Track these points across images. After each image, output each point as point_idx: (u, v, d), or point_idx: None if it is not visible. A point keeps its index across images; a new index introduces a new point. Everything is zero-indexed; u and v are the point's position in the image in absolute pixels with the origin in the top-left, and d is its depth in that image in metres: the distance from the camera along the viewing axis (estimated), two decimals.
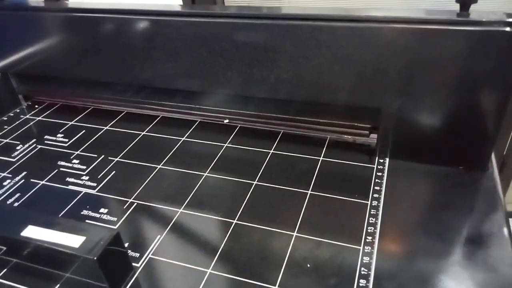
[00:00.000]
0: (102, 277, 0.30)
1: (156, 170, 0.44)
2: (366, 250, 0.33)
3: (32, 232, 0.31)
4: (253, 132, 0.50)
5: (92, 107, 0.58)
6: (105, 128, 0.53)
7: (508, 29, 0.34)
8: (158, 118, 0.54)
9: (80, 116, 0.56)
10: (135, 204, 0.40)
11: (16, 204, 0.41)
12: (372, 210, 0.37)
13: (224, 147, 0.47)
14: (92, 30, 0.49)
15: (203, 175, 0.43)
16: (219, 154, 0.46)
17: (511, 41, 0.34)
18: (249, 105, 0.50)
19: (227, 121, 0.52)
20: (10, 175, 0.45)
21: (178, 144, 0.48)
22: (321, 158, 0.44)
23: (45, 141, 0.51)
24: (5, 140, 0.52)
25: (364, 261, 0.33)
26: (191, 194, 0.41)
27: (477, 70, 0.36)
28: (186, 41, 0.45)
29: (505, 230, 0.34)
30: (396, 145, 0.43)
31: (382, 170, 0.42)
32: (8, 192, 0.43)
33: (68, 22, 0.50)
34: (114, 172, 0.45)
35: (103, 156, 0.47)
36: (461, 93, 0.38)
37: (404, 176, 0.41)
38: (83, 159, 0.47)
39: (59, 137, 0.52)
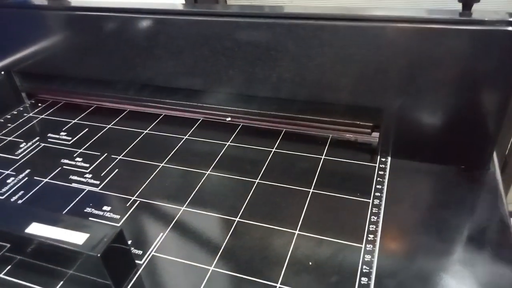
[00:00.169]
0: (105, 274, 0.30)
1: (159, 168, 0.45)
2: (367, 248, 0.34)
3: (36, 229, 0.31)
4: (255, 131, 0.50)
5: (95, 105, 0.58)
6: (108, 126, 0.53)
7: (510, 28, 0.34)
8: (161, 117, 0.54)
9: (83, 114, 0.56)
10: (138, 202, 0.40)
11: (20, 201, 0.41)
12: (373, 209, 0.37)
13: (227, 145, 0.48)
14: (95, 28, 0.50)
15: (206, 173, 0.43)
16: (222, 152, 0.46)
17: None
18: (251, 104, 0.50)
19: (229, 119, 0.52)
20: (14, 173, 0.45)
21: (181, 143, 0.49)
22: (323, 157, 0.45)
23: (49, 139, 0.51)
24: (9, 138, 0.52)
25: (366, 259, 0.33)
26: (194, 192, 0.41)
27: (479, 69, 0.36)
28: (189, 40, 0.45)
29: (506, 229, 0.34)
30: (398, 144, 0.43)
31: (383, 169, 0.42)
32: (12, 190, 0.43)
33: (71, 20, 0.51)
34: (117, 170, 0.45)
35: (106, 154, 0.47)
36: (463, 92, 0.38)
37: (406, 175, 0.42)
38: (86, 157, 0.47)
39: (62, 135, 0.52)
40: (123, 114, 0.55)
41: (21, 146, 0.50)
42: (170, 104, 0.54)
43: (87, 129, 0.53)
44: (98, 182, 0.43)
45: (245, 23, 0.42)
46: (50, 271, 0.33)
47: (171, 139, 0.49)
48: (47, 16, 0.52)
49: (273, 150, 0.46)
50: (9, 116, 0.57)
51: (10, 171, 0.46)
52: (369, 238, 0.35)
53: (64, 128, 0.53)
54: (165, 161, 0.46)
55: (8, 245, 0.34)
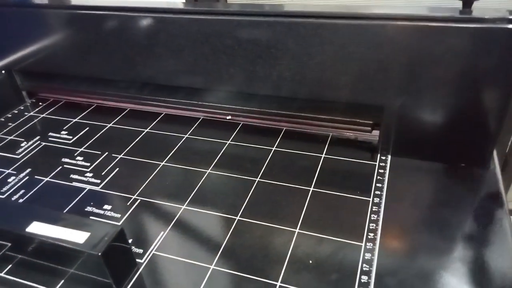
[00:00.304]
0: (106, 272, 0.30)
1: (160, 167, 0.45)
2: (368, 247, 0.34)
3: (37, 228, 0.31)
4: (255, 130, 0.50)
5: (96, 104, 0.58)
6: (109, 125, 0.53)
7: (510, 26, 0.34)
8: (161, 116, 0.54)
9: (84, 113, 0.56)
10: (139, 200, 0.40)
11: (20, 200, 0.41)
12: (374, 207, 0.37)
13: (227, 144, 0.48)
14: (95, 27, 0.50)
15: (206, 172, 0.43)
16: (222, 151, 0.46)
17: None
18: (251, 102, 0.50)
19: (229, 117, 0.52)
20: (14, 172, 0.45)
21: (181, 141, 0.49)
22: (323, 155, 0.45)
23: (49, 138, 0.51)
24: (10, 137, 0.52)
25: (366, 258, 0.33)
26: (194, 191, 0.41)
27: (479, 67, 0.36)
28: (189, 38, 0.45)
29: (507, 228, 0.34)
30: (398, 142, 0.43)
31: (384, 167, 0.42)
32: (13, 189, 0.43)
33: (71, 19, 0.51)
34: (118, 169, 0.45)
35: (107, 153, 0.48)
36: (463, 90, 0.38)
37: (406, 173, 0.42)
38: (87, 156, 0.47)
39: (63, 134, 0.52)
40: (124, 113, 0.55)
41: (22, 145, 0.50)
42: (171, 103, 0.54)
43: (87, 128, 0.53)
44: (98, 181, 0.43)
45: (245, 21, 0.42)
46: (51, 270, 0.33)
47: (171, 138, 0.49)
48: (48, 15, 0.52)
49: (274, 148, 0.46)
50: (10, 115, 0.57)
51: (11, 170, 0.46)
52: (369, 237, 0.35)
53: (65, 127, 0.53)
54: (165, 160, 0.46)
55: (9, 244, 0.34)
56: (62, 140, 0.51)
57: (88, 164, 0.46)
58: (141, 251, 0.35)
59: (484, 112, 0.38)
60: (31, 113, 0.57)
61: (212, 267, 0.33)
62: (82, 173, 0.45)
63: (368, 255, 0.33)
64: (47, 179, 0.44)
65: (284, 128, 0.49)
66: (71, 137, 0.51)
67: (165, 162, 0.45)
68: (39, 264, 0.34)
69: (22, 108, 0.59)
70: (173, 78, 0.50)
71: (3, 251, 0.35)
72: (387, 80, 0.40)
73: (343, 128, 0.47)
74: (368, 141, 0.46)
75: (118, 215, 0.39)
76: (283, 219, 0.37)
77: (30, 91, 0.61)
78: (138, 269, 0.33)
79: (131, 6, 0.47)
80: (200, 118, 0.53)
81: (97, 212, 0.39)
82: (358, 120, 0.46)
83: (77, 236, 0.30)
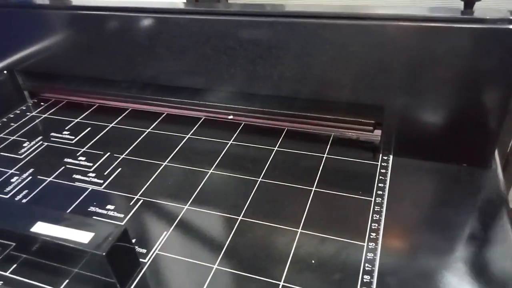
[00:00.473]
0: (110, 272, 0.30)
1: (162, 167, 0.45)
2: (370, 247, 0.34)
3: (42, 228, 0.32)
4: (257, 129, 0.50)
5: (97, 104, 0.58)
6: (111, 125, 0.53)
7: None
8: (163, 116, 0.54)
9: (86, 113, 0.56)
10: (141, 200, 0.40)
11: (24, 200, 0.42)
12: (376, 207, 0.38)
13: (229, 144, 0.48)
14: (97, 27, 0.50)
15: (208, 172, 0.44)
16: (224, 151, 0.47)
17: None
18: (253, 102, 0.50)
19: (231, 117, 0.52)
20: (17, 172, 0.46)
21: (183, 141, 0.49)
22: (325, 155, 0.45)
23: (52, 138, 0.51)
24: (12, 137, 0.52)
25: (368, 257, 0.33)
26: (197, 191, 0.41)
27: (480, 67, 0.36)
28: (191, 39, 0.46)
29: (508, 228, 0.35)
30: (400, 142, 0.43)
31: (385, 167, 0.42)
32: (16, 189, 0.43)
33: (73, 19, 0.51)
34: (120, 169, 0.45)
35: (109, 153, 0.48)
36: (465, 90, 0.38)
37: (408, 173, 0.42)
38: (89, 156, 0.48)
39: (65, 134, 0.52)
40: (126, 113, 0.56)
41: (25, 145, 0.50)
42: (172, 103, 0.54)
43: (89, 128, 0.53)
44: (101, 181, 0.43)
45: (247, 21, 0.42)
46: (55, 270, 0.33)
47: (173, 138, 0.50)
48: (49, 15, 0.52)
49: (276, 148, 0.46)
50: (12, 115, 0.57)
51: (14, 170, 0.46)
52: (371, 236, 0.35)
53: (67, 127, 0.53)
54: (167, 160, 0.46)
55: (14, 244, 0.35)
56: (65, 140, 0.51)
57: (91, 164, 0.46)
58: (144, 251, 0.35)
59: (485, 112, 0.39)
60: (33, 113, 0.58)
61: (215, 266, 0.33)
62: (84, 173, 0.45)
63: (370, 255, 0.33)
64: (50, 179, 0.44)
65: (286, 128, 0.50)
66: (73, 137, 0.51)
67: (167, 162, 0.45)
68: (43, 263, 0.34)
69: (24, 108, 0.59)
70: (174, 78, 0.50)
71: (7, 251, 0.35)
72: (389, 80, 0.40)
73: (345, 128, 0.47)
74: (370, 141, 0.47)
75: (121, 215, 0.39)
76: (286, 219, 0.37)
77: (32, 91, 0.61)
78: (142, 268, 0.33)
79: (132, 6, 0.47)
80: (202, 118, 0.53)
81: (100, 212, 0.39)
82: (359, 120, 0.46)
83: (81, 236, 0.30)
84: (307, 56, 0.42)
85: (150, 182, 0.43)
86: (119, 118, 0.54)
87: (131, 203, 0.40)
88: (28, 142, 0.51)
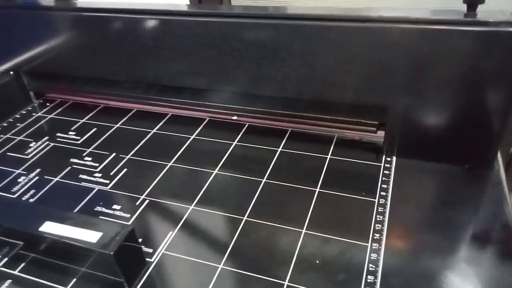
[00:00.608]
0: (118, 271, 0.31)
1: (167, 167, 0.45)
2: (373, 247, 0.34)
3: (50, 227, 0.32)
4: (261, 130, 0.50)
5: (103, 105, 0.59)
6: (116, 125, 0.54)
7: None
8: (168, 116, 0.55)
9: (91, 114, 0.57)
10: (147, 201, 0.41)
11: (31, 200, 0.42)
12: (379, 208, 0.38)
13: (233, 145, 0.48)
14: (102, 29, 0.50)
15: (213, 172, 0.44)
16: (228, 152, 0.47)
17: None
18: (257, 103, 0.50)
19: (235, 117, 0.52)
20: (25, 172, 0.46)
21: (188, 142, 0.49)
22: (328, 156, 0.45)
23: (58, 139, 0.52)
24: (19, 138, 0.53)
25: (372, 258, 0.33)
26: (202, 191, 0.42)
27: (483, 69, 0.37)
28: (196, 41, 0.46)
29: (511, 228, 0.35)
30: (403, 143, 0.44)
31: (389, 168, 0.43)
32: (23, 189, 0.44)
33: (78, 21, 0.51)
34: (126, 169, 0.46)
35: (114, 153, 0.48)
36: (468, 92, 0.38)
37: (411, 174, 0.42)
38: (95, 156, 0.48)
39: (71, 134, 0.53)
40: (131, 113, 0.56)
41: (31, 145, 0.51)
42: (177, 103, 0.54)
43: (95, 128, 0.53)
44: (107, 181, 0.44)
45: (252, 24, 0.43)
46: (63, 269, 0.34)
47: (178, 139, 0.50)
48: (55, 17, 0.53)
49: (279, 149, 0.47)
50: (18, 116, 0.58)
51: (21, 170, 0.47)
52: (375, 237, 0.35)
53: (73, 128, 0.54)
54: (173, 161, 0.46)
55: (22, 243, 0.35)
56: (70, 141, 0.51)
57: (97, 164, 0.47)
58: (150, 250, 0.36)
59: (488, 113, 0.39)
60: (39, 114, 0.58)
61: (220, 266, 0.34)
62: (91, 173, 0.45)
63: (374, 255, 0.34)
64: (57, 179, 0.45)
65: (290, 129, 0.50)
66: (79, 137, 0.52)
67: (172, 163, 0.46)
68: (51, 262, 0.34)
69: (30, 108, 0.60)
70: (179, 79, 0.50)
71: (15, 250, 0.35)
72: (392, 82, 0.40)
73: (348, 128, 0.48)
74: (373, 142, 0.47)
75: (128, 215, 0.39)
76: (290, 220, 0.38)
77: (37, 92, 0.62)
78: (148, 268, 0.34)
79: (137, 8, 0.48)
80: (206, 119, 0.53)
81: (106, 212, 0.40)
82: (363, 121, 0.47)
83: (89, 236, 0.31)
84: (311, 58, 0.42)
85: (156, 183, 0.43)
86: (124, 119, 0.55)
87: (137, 203, 0.41)
88: (34, 143, 0.52)
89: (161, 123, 0.53)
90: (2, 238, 0.35)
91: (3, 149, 0.51)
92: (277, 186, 0.42)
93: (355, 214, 0.38)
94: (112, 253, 0.29)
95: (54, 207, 0.41)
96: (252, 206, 0.39)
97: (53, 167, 0.47)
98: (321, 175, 0.42)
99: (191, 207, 0.40)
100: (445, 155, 0.42)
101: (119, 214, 0.40)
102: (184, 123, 0.53)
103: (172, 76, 0.50)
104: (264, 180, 0.42)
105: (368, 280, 0.32)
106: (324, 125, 0.49)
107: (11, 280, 0.34)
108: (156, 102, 0.55)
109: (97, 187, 0.43)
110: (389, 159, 0.44)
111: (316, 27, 0.41)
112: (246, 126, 0.51)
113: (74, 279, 0.33)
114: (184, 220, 0.38)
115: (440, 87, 0.39)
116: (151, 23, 0.47)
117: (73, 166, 0.47)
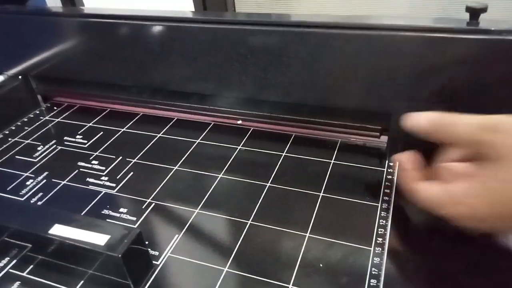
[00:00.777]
0: (125, 273, 0.31)
1: (173, 171, 0.46)
2: (376, 251, 0.35)
3: (59, 230, 0.33)
4: (266, 135, 0.51)
5: (109, 109, 0.59)
6: (122, 129, 0.54)
7: None
8: (173, 121, 0.55)
9: (98, 118, 0.58)
10: (153, 204, 0.42)
11: (39, 203, 0.43)
12: (382, 212, 0.38)
13: (238, 149, 0.49)
14: (109, 35, 0.51)
15: (218, 176, 0.45)
16: (233, 156, 0.48)
17: None
18: (261, 108, 0.51)
19: (240, 122, 0.53)
20: (32, 175, 0.47)
21: (193, 146, 0.50)
22: (332, 161, 0.46)
23: (65, 142, 0.53)
24: (27, 141, 0.54)
25: (375, 262, 0.34)
26: (207, 195, 0.42)
27: (486, 78, 0.37)
28: (203, 46, 0.47)
29: None
30: (406, 148, 0.44)
31: (392, 173, 0.43)
32: (31, 192, 0.44)
33: (86, 27, 0.52)
34: (132, 173, 0.46)
35: (121, 157, 0.49)
36: (470, 99, 0.39)
37: None
38: (102, 160, 0.49)
39: (78, 138, 0.53)
40: (137, 118, 0.57)
41: (39, 149, 0.52)
42: (183, 107, 0.55)
43: (102, 132, 0.54)
44: (114, 185, 0.45)
45: (258, 31, 0.44)
46: (70, 271, 0.35)
47: (183, 143, 0.51)
48: (64, 23, 0.54)
49: (284, 154, 0.47)
50: (26, 119, 0.59)
51: (29, 173, 0.47)
52: (378, 241, 0.36)
53: (80, 132, 0.55)
54: (178, 165, 0.47)
55: (30, 246, 0.36)
56: (78, 144, 0.52)
57: (104, 168, 0.47)
58: (157, 253, 0.36)
59: None
60: (47, 117, 0.59)
61: (225, 269, 0.34)
62: (98, 177, 0.46)
63: (377, 259, 0.34)
64: (64, 182, 0.46)
65: (294, 134, 0.51)
66: (86, 141, 0.53)
67: (178, 167, 0.47)
68: (59, 265, 0.35)
69: (37, 112, 0.60)
70: (185, 84, 0.51)
71: (24, 252, 0.36)
72: (395, 88, 0.41)
73: (351, 134, 0.48)
74: (377, 147, 0.47)
75: (134, 218, 0.40)
76: (294, 224, 0.38)
77: (45, 96, 0.63)
78: (155, 270, 0.34)
79: (144, 15, 0.49)
80: (211, 123, 0.54)
81: (113, 215, 0.41)
82: (366, 126, 0.47)
83: (97, 238, 0.31)
84: (316, 64, 0.43)
85: (162, 186, 0.44)
86: (130, 123, 0.56)
87: (143, 207, 0.41)
88: (42, 146, 0.52)
89: (166, 127, 0.54)
90: (11, 240, 0.36)
91: (12, 152, 0.51)
92: (282, 190, 0.42)
93: (359, 219, 0.38)
94: (120, 255, 0.30)
95: (62, 209, 0.41)
96: (257, 210, 0.40)
97: (60, 170, 0.48)
98: (324, 180, 0.43)
99: (197, 210, 0.40)
100: None
101: (125, 217, 0.40)
102: (189, 127, 0.54)
103: (178, 81, 0.51)
104: (268, 184, 0.43)
105: (371, 284, 0.32)
106: (328, 130, 0.49)
107: (19, 282, 0.34)
108: (162, 107, 0.56)
109: (104, 191, 0.44)
110: (392, 164, 0.44)
111: (321, 34, 0.41)
112: (251, 130, 0.52)
113: (82, 281, 0.34)
114: (190, 224, 0.39)
115: (442, 94, 0.39)
116: (158, 29, 0.48)
117: (80, 169, 0.48)
